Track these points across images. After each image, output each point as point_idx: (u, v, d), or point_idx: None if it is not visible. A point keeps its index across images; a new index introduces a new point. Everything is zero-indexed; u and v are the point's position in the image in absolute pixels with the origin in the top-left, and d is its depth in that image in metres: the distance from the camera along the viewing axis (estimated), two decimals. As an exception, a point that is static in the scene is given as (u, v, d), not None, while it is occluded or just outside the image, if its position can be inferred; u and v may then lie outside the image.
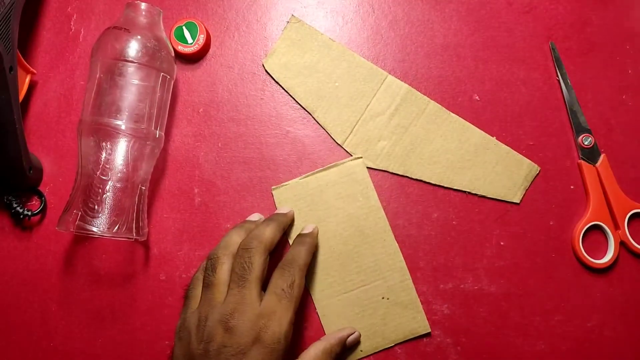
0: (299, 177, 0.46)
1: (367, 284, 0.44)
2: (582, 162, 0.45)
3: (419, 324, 0.44)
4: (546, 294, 0.45)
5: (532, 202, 0.46)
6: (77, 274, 0.47)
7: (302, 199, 0.45)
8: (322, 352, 0.40)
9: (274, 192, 0.46)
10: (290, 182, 0.46)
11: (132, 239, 0.41)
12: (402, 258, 0.44)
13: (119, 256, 0.47)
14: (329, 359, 0.41)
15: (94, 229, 0.39)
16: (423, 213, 0.46)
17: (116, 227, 0.40)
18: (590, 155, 0.45)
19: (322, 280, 0.44)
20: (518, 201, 0.46)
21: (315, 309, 0.45)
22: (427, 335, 0.44)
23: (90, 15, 0.50)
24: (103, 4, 0.50)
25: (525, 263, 0.45)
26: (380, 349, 0.44)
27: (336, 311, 0.44)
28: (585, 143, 0.43)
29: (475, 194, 0.46)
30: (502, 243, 0.45)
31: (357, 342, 0.44)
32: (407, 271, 0.44)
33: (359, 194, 0.45)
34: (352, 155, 0.46)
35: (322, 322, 0.44)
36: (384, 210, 0.45)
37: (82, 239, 0.47)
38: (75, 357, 0.46)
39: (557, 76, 0.45)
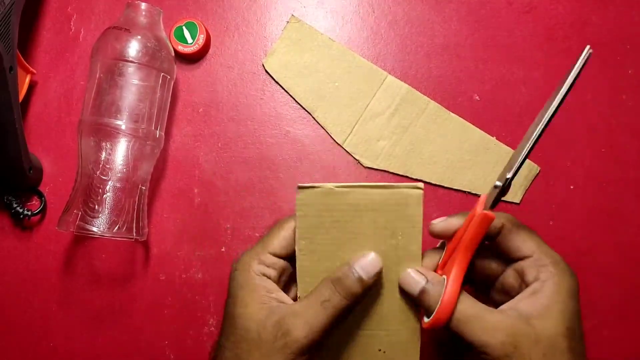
0: (336, 184, 0.34)
1: (366, 329, 0.36)
2: None
3: None
4: (546, 294, 0.45)
5: (532, 202, 0.46)
6: (77, 274, 0.47)
7: (330, 212, 0.34)
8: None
9: (299, 193, 0.34)
10: (323, 185, 0.34)
11: (132, 239, 0.41)
12: (417, 319, 0.35)
13: (119, 256, 0.47)
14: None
15: (94, 229, 0.39)
16: (423, 213, 0.46)
17: (116, 227, 0.40)
18: None
19: None
20: (518, 201, 0.46)
21: None
22: None
23: (90, 15, 0.50)
24: (103, 4, 0.50)
25: (525, 263, 0.45)
26: None
27: (326, 344, 0.35)
28: None
29: (476, 194, 0.46)
30: (502, 243, 0.45)
31: None
32: (418, 334, 0.35)
33: (400, 231, 0.34)
34: (353, 156, 0.46)
35: None
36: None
37: (82, 239, 0.47)
38: (75, 357, 0.46)
39: None
